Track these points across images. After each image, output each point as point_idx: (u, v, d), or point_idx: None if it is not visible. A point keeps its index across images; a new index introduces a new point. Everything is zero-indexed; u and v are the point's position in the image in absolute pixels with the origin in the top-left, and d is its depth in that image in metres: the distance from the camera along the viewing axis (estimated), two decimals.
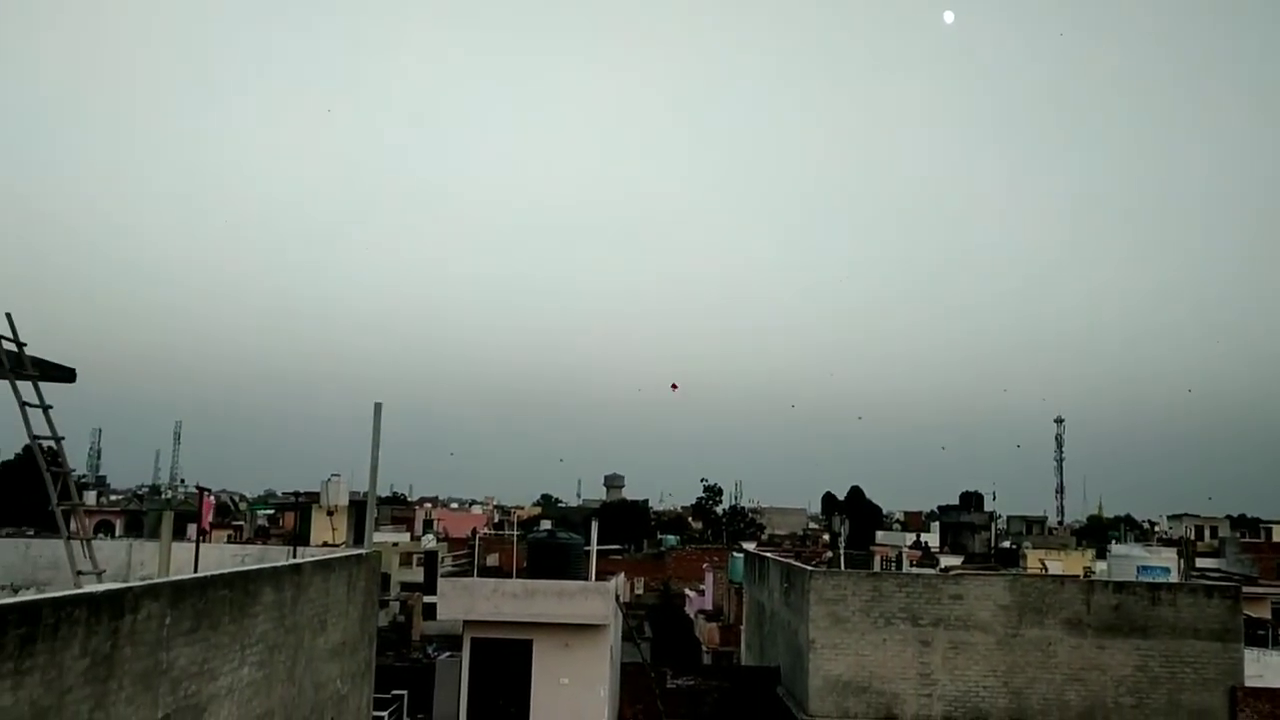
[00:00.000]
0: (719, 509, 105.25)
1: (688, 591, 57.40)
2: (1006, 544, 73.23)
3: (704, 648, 44.12)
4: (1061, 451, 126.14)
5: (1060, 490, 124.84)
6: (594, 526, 27.03)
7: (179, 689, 9.34)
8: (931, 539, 77.54)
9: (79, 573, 11.03)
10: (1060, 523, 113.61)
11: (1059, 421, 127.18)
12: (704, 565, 58.81)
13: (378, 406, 16.58)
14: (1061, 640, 22.92)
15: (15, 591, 9.30)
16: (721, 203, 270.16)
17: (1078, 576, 33.08)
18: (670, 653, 44.48)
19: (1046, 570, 44.45)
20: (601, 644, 23.24)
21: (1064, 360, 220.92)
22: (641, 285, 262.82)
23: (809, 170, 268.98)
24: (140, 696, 8.60)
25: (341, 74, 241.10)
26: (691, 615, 51.53)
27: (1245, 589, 27.34)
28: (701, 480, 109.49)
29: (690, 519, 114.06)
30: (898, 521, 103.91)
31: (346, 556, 15.18)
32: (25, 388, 11.73)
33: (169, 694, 9.14)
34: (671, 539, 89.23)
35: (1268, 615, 30.82)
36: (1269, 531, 68.43)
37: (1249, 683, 23.13)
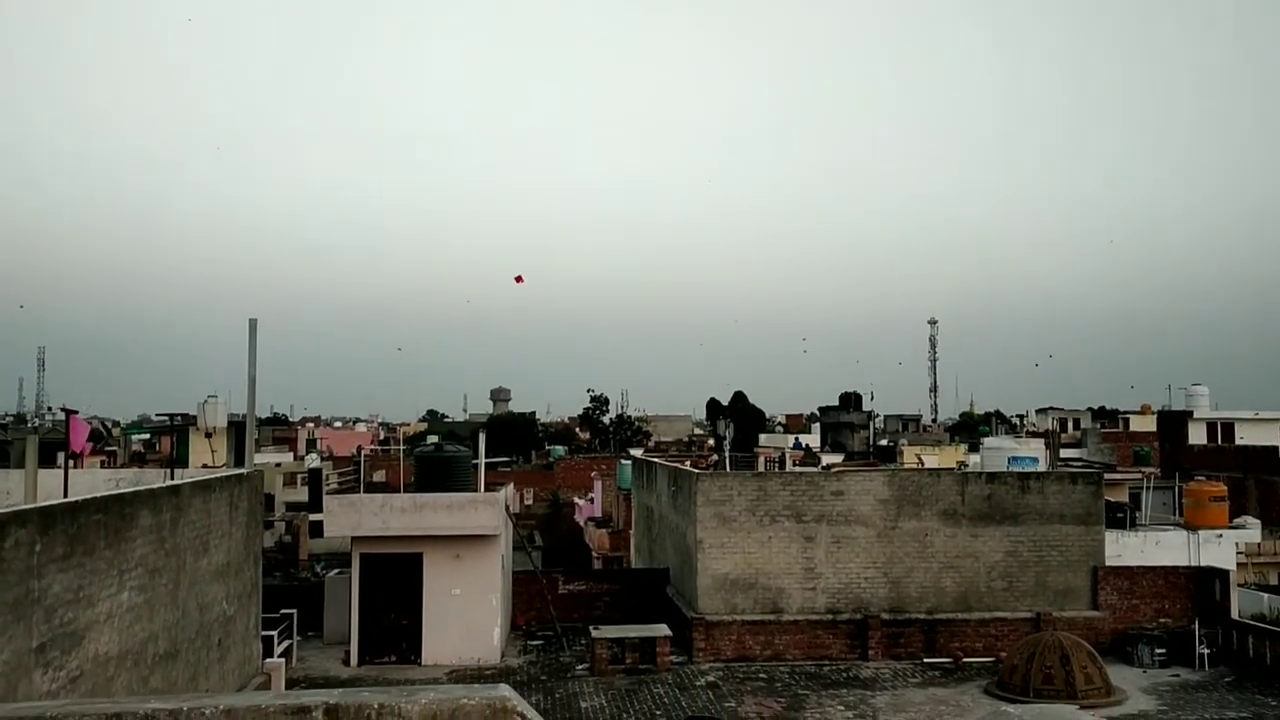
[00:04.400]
0: (606, 419, 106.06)
1: (577, 500, 57.96)
2: (884, 442, 75.60)
3: (594, 554, 44.74)
4: (935, 352, 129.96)
5: (934, 389, 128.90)
6: (481, 438, 26.94)
7: (54, 617, 9.05)
8: (813, 440, 79.55)
9: None
10: (935, 421, 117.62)
11: (932, 323, 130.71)
12: (592, 474, 59.35)
13: (253, 323, 16.09)
14: (938, 530, 23.86)
15: None
16: (603, 111, 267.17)
17: (952, 469, 34.35)
18: (561, 560, 45.06)
19: (923, 465, 46.06)
20: (492, 554, 23.33)
21: (935, 262, 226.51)
22: (519, 188, 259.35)
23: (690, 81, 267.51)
24: (12, 627, 8.30)
25: None
26: (581, 523, 52.11)
27: (1106, 476, 28.78)
28: (588, 391, 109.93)
29: (578, 430, 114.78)
30: (780, 424, 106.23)
31: (227, 477, 14.83)
32: None
33: (43, 622, 8.84)
34: (559, 450, 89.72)
35: (1125, 499, 32.54)
36: (1127, 422, 71.95)
37: (1109, 562, 24.51)
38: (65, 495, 12.60)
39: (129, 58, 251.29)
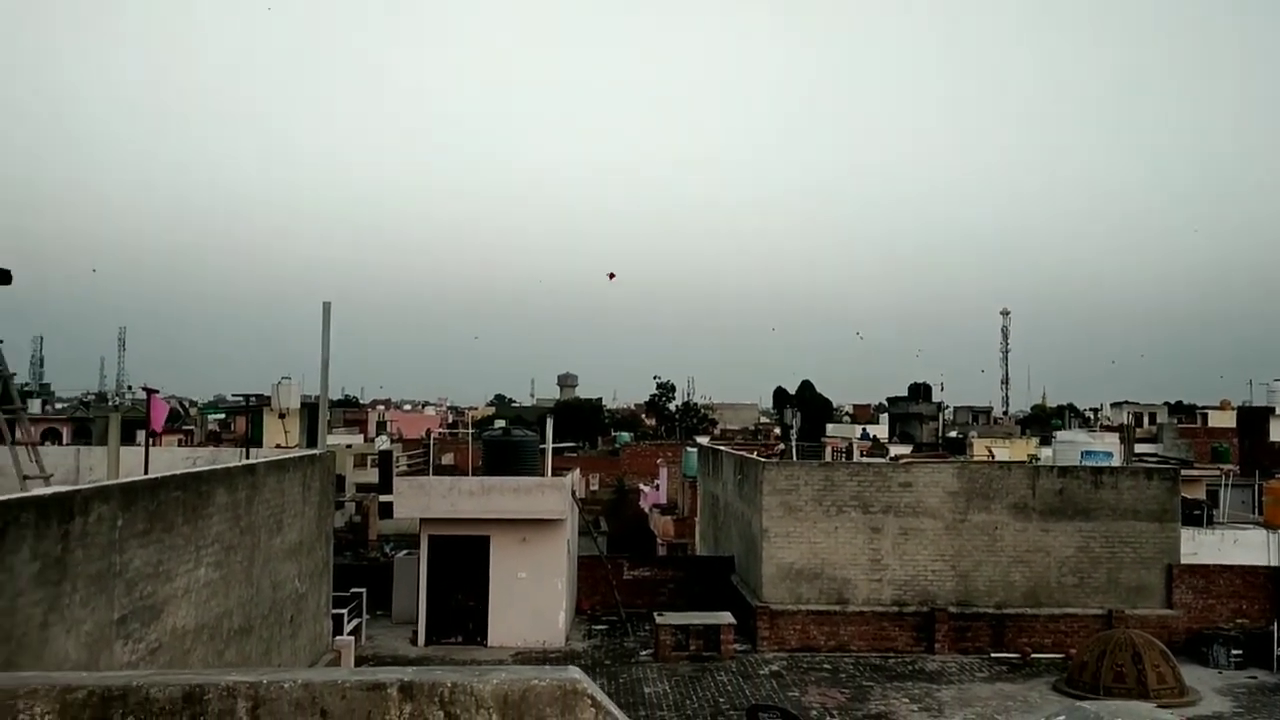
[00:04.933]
0: (671, 406, 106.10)
1: (642, 487, 58.07)
2: (953, 434, 74.68)
3: (659, 541, 44.83)
4: (1007, 343, 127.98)
5: (1006, 381, 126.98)
6: (549, 423, 27.10)
7: (134, 590, 9.29)
8: (880, 430, 78.84)
9: (25, 478, 10.85)
10: (1005, 413, 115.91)
11: (1005, 314, 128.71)
12: (658, 461, 59.45)
13: (326, 306, 16.33)
14: (1007, 524, 23.51)
15: None
16: (675, 101, 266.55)
17: (1024, 462, 33.82)
18: (625, 546, 45.19)
19: (993, 457, 45.41)
20: (558, 538, 23.49)
21: (1009, 253, 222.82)
22: (585, 179, 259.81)
23: (765, 68, 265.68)
24: (95, 599, 8.54)
25: None
26: (646, 510, 52.22)
27: (1182, 472, 28.15)
28: (654, 378, 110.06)
29: (643, 416, 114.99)
30: (847, 414, 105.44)
31: (300, 457, 15.09)
32: None
33: (124, 595, 9.08)
34: (625, 436, 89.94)
35: (1202, 496, 31.77)
36: (1205, 417, 70.31)
37: (1185, 560, 23.97)
38: (146, 472, 12.93)
39: (216, 44, 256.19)
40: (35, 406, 75.72)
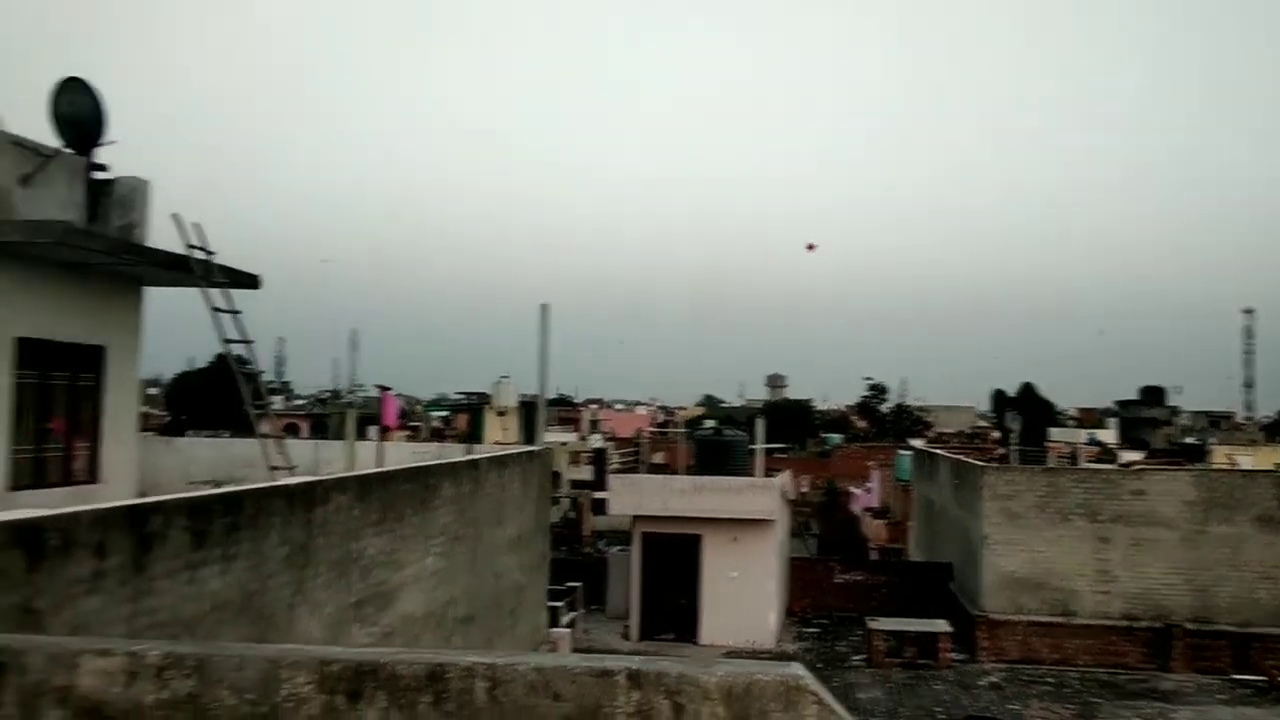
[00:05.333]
0: (883, 408, 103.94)
1: (853, 489, 57.13)
2: (1190, 440, 70.16)
3: (870, 545, 43.99)
4: (1251, 344, 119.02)
5: (1249, 385, 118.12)
6: (759, 424, 27.08)
7: (369, 576, 9.83)
8: (1108, 435, 74.85)
9: (273, 468, 11.65)
10: (1249, 418, 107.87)
11: (1248, 312, 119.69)
12: (869, 463, 58.34)
13: (544, 307, 16.84)
14: (1252, 537, 21.90)
15: (218, 486, 9.92)
16: (883, 104, 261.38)
17: (1271, 471, 31.41)
18: (836, 549, 44.56)
19: (1236, 466, 42.38)
20: (769, 538, 23.43)
21: (1252, 247, 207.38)
22: (802, 175, 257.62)
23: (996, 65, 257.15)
24: (335, 583, 9.09)
25: None
26: (857, 513, 51.35)
27: None
28: (865, 379, 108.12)
29: (854, 418, 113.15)
30: (1072, 418, 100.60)
31: (520, 453, 15.62)
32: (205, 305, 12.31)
33: (360, 581, 9.63)
34: (835, 437, 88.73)
35: None
36: None
37: None
38: (379, 465, 13.67)
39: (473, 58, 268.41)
40: (277, 403, 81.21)
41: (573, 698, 2.60)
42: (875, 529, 44.30)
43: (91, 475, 11.87)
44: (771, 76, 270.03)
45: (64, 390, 11.59)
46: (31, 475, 10.98)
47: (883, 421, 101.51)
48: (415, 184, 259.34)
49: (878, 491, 49.59)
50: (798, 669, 2.84)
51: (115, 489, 11.57)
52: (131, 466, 12.79)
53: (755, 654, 22.37)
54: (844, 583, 26.60)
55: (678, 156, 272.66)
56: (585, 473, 49.38)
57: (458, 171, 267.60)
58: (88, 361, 11.84)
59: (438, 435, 65.92)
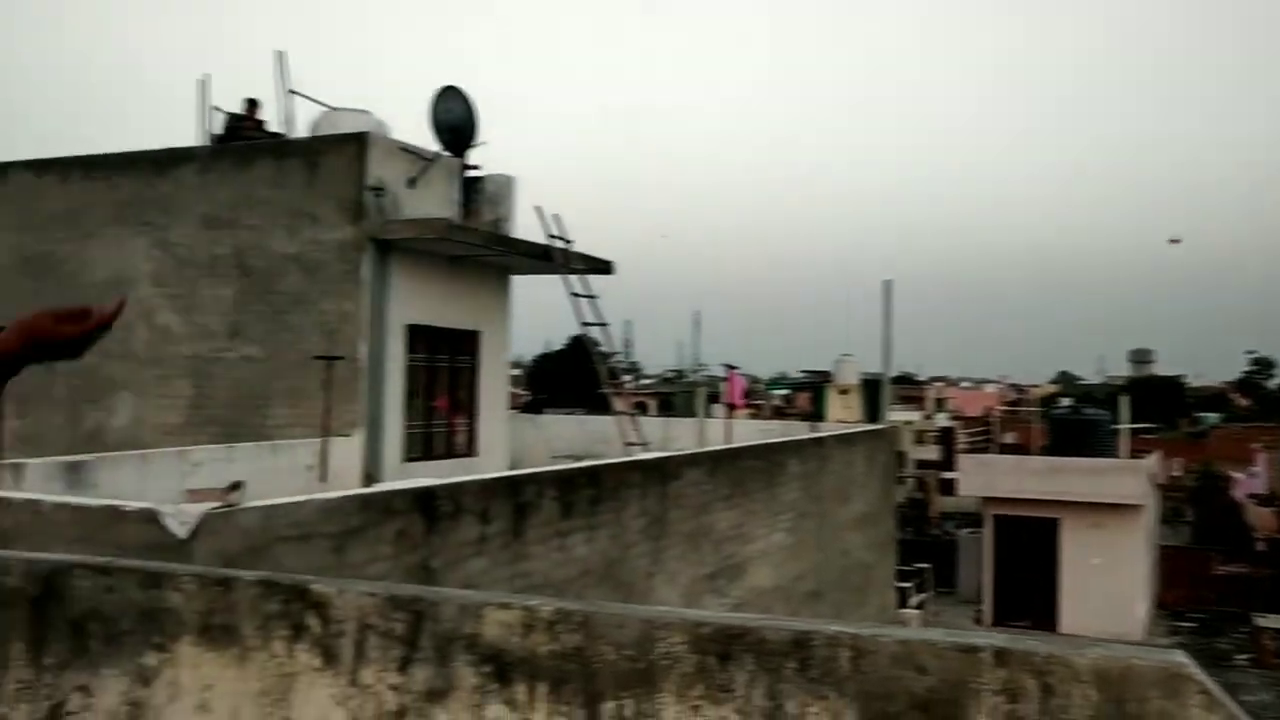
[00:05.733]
0: (1270, 384, 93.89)
1: (1234, 474, 52.15)
2: None
3: (1255, 535, 40.01)
4: None
5: None
6: (1123, 402, 25.32)
7: (720, 550, 10.15)
8: None
9: (628, 444, 12.26)
10: None
11: None
12: (1254, 445, 53.07)
13: (887, 284, 16.60)
14: None
15: (578, 460, 10.59)
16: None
17: None
18: (1213, 539, 40.88)
19: None
20: (1135, 525, 21.90)
21: None
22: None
23: None
24: (689, 554, 9.46)
25: None
26: (1239, 500, 46.84)
27: None
28: (1247, 353, 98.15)
29: (1234, 395, 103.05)
30: None
31: (865, 431, 15.53)
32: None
33: (712, 554, 9.96)
34: (1212, 417, 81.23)
35: None
36: None
37: None
38: (726, 442, 14.03)
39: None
40: (629, 382, 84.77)
41: (936, 672, 2.59)
42: (1262, 518, 40.23)
43: (470, 449, 13.01)
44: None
45: (446, 371, 12.76)
46: (422, 448, 12.19)
47: (1269, 399, 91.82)
48: (765, 163, 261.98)
49: (1264, 476, 45.04)
50: (1180, 656, 2.68)
51: (490, 462, 12.62)
52: (504, 441, 13.89)
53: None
54: (1224, 575, 24.43)
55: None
56: (931, 452, 48.22)
57: (789, 146, 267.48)
58: (465, 345, 12.97)
59: (780, 413, 66.50)
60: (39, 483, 7.51)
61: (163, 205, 12.34)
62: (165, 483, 8.16)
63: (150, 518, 4.84)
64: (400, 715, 3.19)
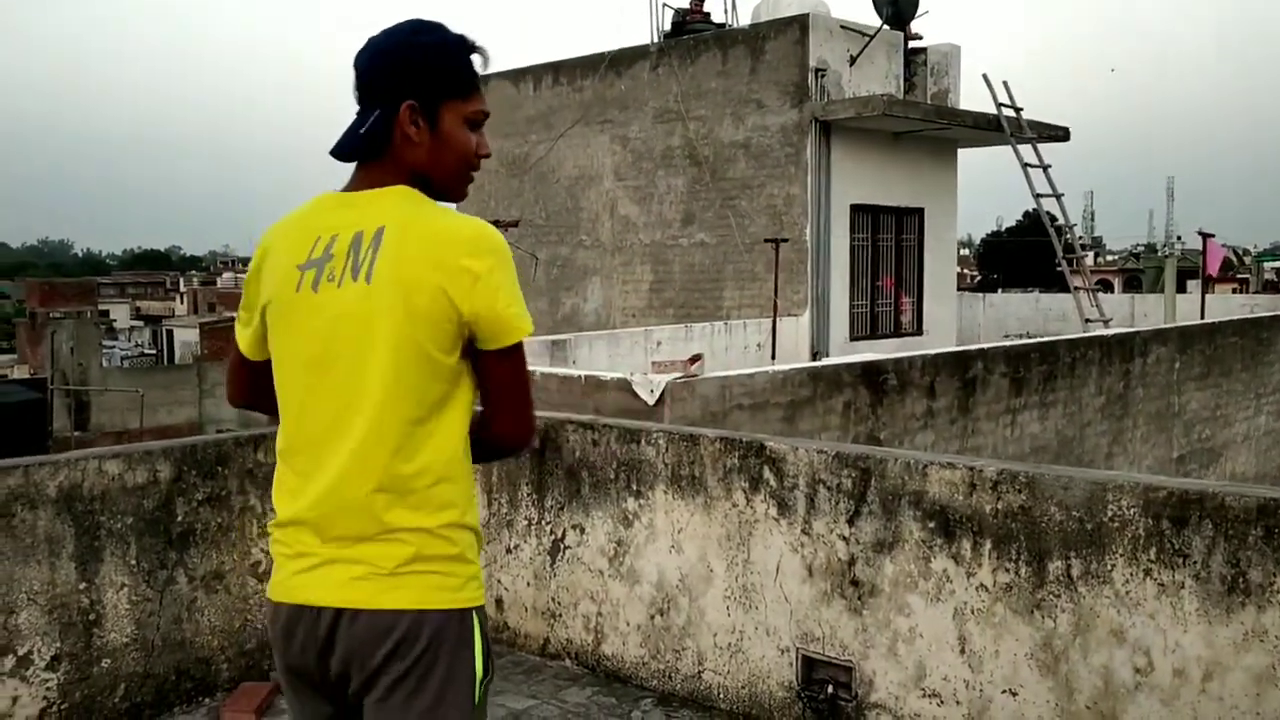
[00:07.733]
0: None
1: None
2: None
3: None
4: None
5: None
6: None
7: (1191, 432, 9.45)
8: None
9: (1087, 320, 11.61)
10: None
11: None
12: None
13: None
14: None
15: (1031, 338, 10.22)
16: None
17: None
18: None
19: None
20: None
21: None
22: None
23: None
24: (1154, 436, 8.91)
25: None
26: None
27: None
28: None
29: None
30: None
31: None
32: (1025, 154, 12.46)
33: (1182, 436, 9.30)
34: None
35: None
36: None
37: None
38: (1202, 318, 12.87)
39: None
40: (1088, 259, 79.30)
41: None
42: None
43: (917, 328, 12.95)
44: None
45: (891, 250, 12.72)
46: (868, 327, 12.32)
47: None
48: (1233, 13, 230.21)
49: None
50: None
51: (937, 340, 12.49)
52: (950, 320, 13.67)
53: None
54: None
55: None
56: None
57: None
58: (910, 223, 12.82)
59: (1270, 288, 59.14)
60: (529, 358, 8.54)
61: (620, 103, 13.20)
62: (633, 357, 8.94)
63: (624, 386, 5.39)
64: (850, 564, 3.41)
